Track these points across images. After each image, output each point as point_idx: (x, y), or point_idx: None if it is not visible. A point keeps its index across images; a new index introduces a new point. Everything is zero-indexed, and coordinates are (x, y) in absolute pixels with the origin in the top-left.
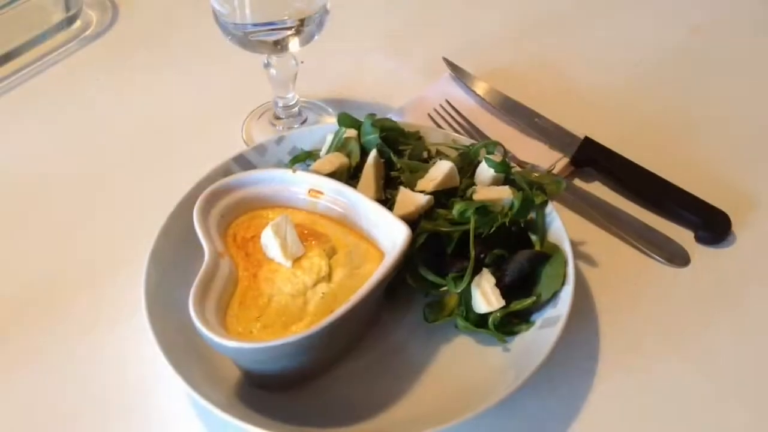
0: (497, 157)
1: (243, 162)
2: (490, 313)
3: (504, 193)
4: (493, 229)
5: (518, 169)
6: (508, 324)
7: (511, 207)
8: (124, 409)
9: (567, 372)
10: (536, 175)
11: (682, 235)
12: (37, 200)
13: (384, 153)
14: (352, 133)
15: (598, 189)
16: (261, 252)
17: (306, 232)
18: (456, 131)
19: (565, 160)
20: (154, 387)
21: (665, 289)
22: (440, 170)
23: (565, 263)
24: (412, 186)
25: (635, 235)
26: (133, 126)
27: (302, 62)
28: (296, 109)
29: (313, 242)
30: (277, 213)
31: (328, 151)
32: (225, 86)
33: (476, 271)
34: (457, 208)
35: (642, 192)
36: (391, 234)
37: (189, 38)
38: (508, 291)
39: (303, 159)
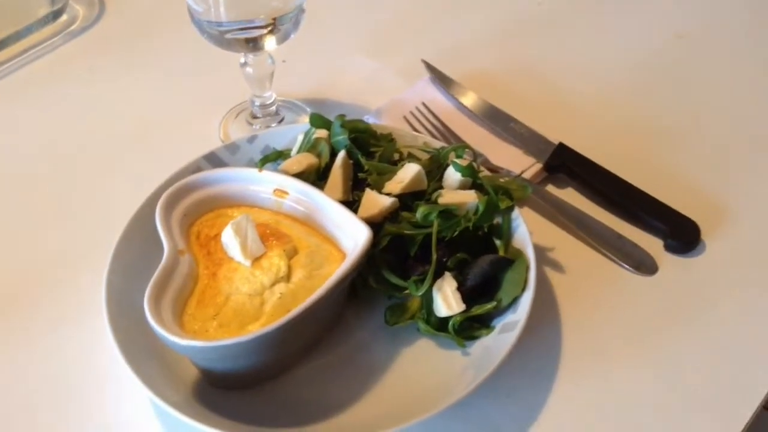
0: (464, 161)
1: (214, 160)
2: (451, 316)
3: (469, 197)
4: (456, 233)
5: (487, 173)
6: (469, 328)
7: (476, 211)
8: (82, 407)
9: (527, 376)
10: (504, 179)
11: (652, 244)
12: (11, 194)
13: (353, 154)
14: (322, 133)
15: (570, 195)
16: (222, 251)
17: (268, 231)
18: (431, 134)
19: (539, 166)
20: (113, 386)
21: (631, 297)
22: (408, 173)
23: (526, 269)
24: (379, 188)
25: (604, 243)
26: (111, 123)
27: (284, 61)
28: (273, 108)
29: (275, 242)
30: (242, 212)
31: (298, 151)
32: (206, 84)
33: (438, 275)
34: (421, 211)
35: (613, 199)
36: (353, 235)
37: (173, 36)
38: (469, 295)
39: (274, 159)
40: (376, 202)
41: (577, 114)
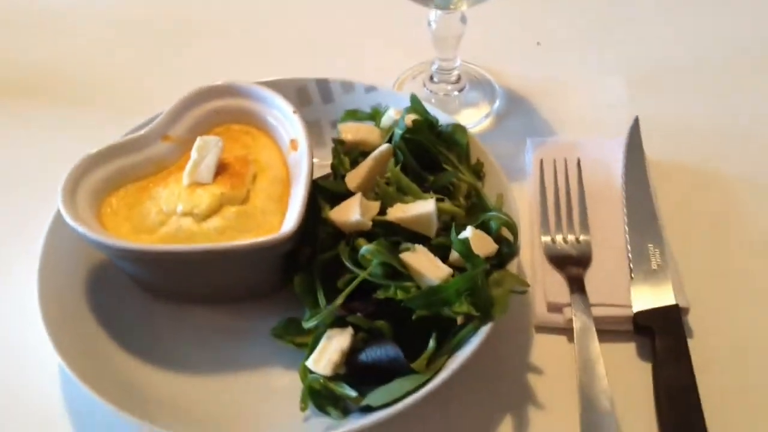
0: (469, 235)
1: (323, 88)
2: (313, 372)
3: (436, 273)
4: (381, 296)
5: (511, 272)
6: (327, 397)
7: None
8: None
9: None
10: (504, 287)
11: None
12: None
13: (397, 155)
14: (400, 114)
15: (631, 368)
16: None
17: (238, 169)
18: (555, 199)
19: (628, 313)
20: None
21: None
22: (417, 209)
23: (415, 390)
24: (387, 204)
25: None
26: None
27: (539, 44)
28: (454, 75)
29: (228, 182)
30: (263, 141)
31: (377, 124)
32: (406, 35)
33: (342, 324)
34: (365, 248)
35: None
36: (286, 222)
37: None
38: (355, 367)
39: (362, 118)
40: (348, 210)
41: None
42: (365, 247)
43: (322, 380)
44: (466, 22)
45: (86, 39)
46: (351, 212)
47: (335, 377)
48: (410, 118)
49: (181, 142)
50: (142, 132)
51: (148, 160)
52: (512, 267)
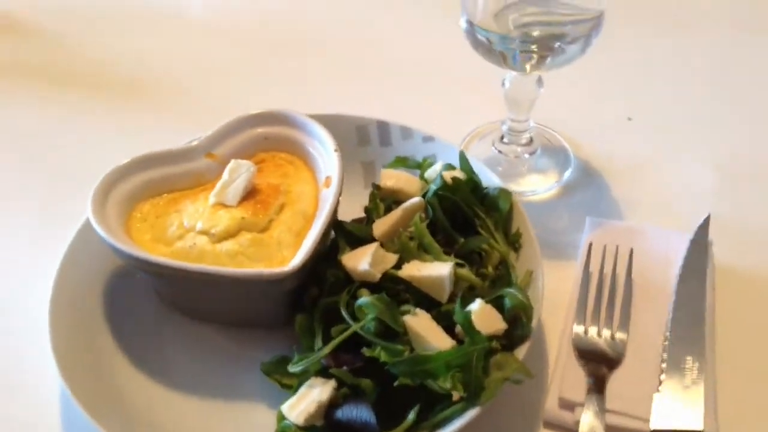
0: (478, 310)
1: (383, 130)
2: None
3: (436, 340)
4: (367, 354)
5: (514, 360)
6: None
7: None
8: None
9: None
10: (502, 374)
11: None
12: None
13: (428, 211)
14: (441, 169)
15: None
16: None
17: (265, 197)
18: (597, 288)
19: (648, 429)
20: None
21: None
22: (431, 270)
23: None
24: (407, 259)
25: None
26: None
27: (630, 119)
28: (526, 137)
29: (252, 208)
30: (304, 174)
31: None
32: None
33: (327, 374)
34: (361, 300)
35: None
36: (293, 259)
37: None
38: (333, 424)
39: (410, 166)
40: (359, 258)
41: None
42: (362, 299)
43: (294, 428)
44: (542, 86)
45: (186, 48)
46: (361, 260)
47: (310, 428)
48: (449, 174)
49: (223, 162)
50: (190, 144)
51: (188, 174)
52: (520, 352)
